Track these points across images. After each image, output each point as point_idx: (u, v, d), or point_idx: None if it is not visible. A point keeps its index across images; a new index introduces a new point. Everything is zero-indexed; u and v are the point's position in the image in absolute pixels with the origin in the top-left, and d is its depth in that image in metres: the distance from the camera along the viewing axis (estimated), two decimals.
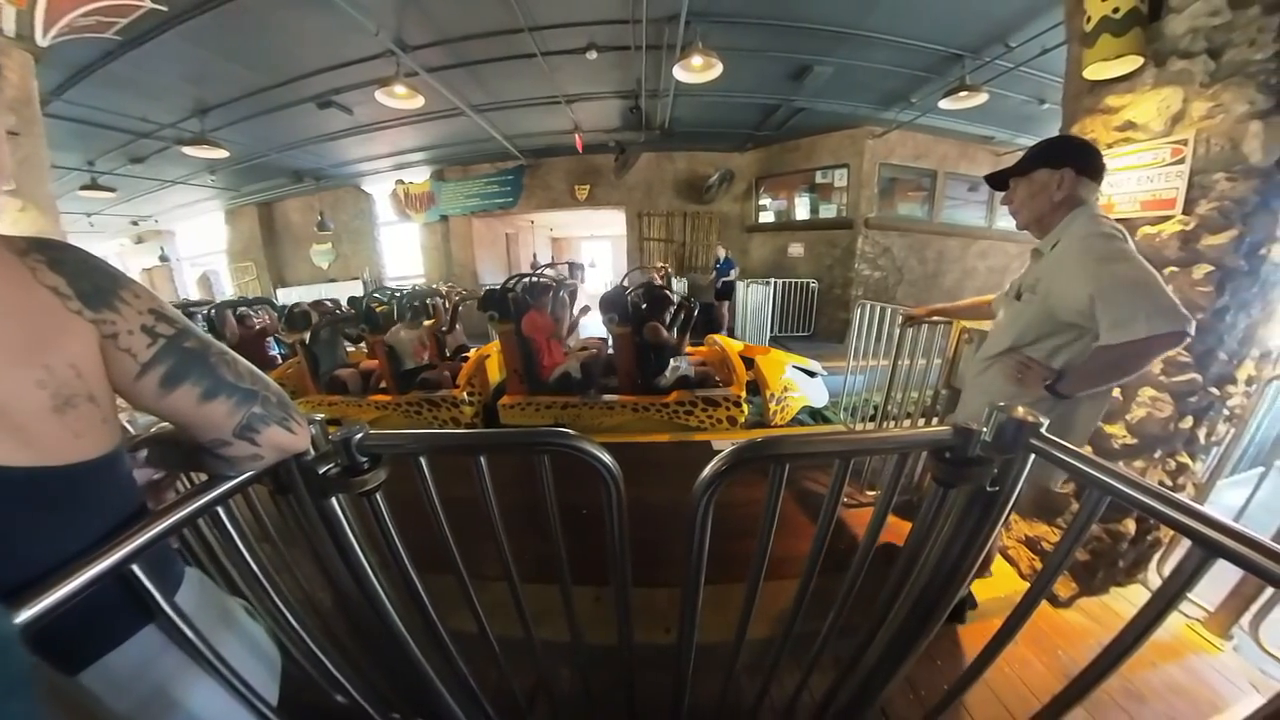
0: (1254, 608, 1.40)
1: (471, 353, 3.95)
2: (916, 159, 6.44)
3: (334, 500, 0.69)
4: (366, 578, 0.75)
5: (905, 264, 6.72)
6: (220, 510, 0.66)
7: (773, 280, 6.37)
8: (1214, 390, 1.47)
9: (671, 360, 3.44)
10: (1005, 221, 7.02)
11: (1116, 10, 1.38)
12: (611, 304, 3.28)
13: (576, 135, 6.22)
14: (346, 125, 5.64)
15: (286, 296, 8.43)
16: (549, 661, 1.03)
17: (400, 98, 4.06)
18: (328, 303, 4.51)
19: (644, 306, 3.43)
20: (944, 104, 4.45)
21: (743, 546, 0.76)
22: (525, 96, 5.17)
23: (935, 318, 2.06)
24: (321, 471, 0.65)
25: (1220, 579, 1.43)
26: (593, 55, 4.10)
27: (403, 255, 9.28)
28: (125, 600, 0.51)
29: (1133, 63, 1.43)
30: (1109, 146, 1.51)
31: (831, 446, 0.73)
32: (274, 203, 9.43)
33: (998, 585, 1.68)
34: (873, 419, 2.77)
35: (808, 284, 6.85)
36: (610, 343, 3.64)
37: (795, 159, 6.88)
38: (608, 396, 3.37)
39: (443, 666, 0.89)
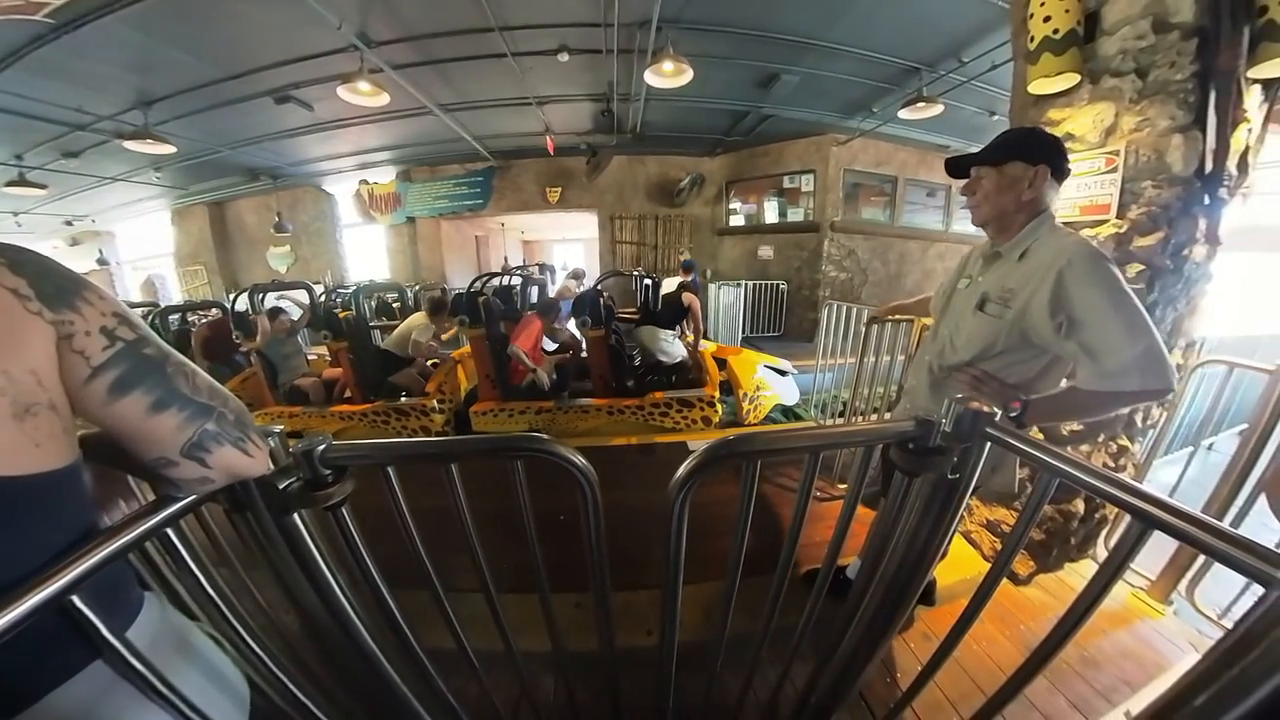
0: (1189, 574, 1.53)
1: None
2: (878, 165, 6.70)
3: (296, 516, 0.65)
4: (334, 597, 0.71)
5: (869, 266, 6.98)
6: (170, 532, 0.62)
7: (743, 282, 6.48)
8: None
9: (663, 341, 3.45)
10: (961, 225, 7.41)
11: (1056, 31, 1.49)
12: (585, 306, 3.26)
13: (548, 137, 6.17)
14: (306, 122, 5.38)
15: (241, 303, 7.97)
16: (531, 671, 1.01)
17: (364, 95, 3.91)
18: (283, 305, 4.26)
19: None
20: (903, 114, 4.66)
21: (722, 545, 0.77)
22: (495, 97, 5.08)
23: (897, 316, 2.16)
24: (282, 487, 0.62)
25: (1159, 550, 1.56)
26: (564, 58, 4.08)
27: (367, 258, 8.94)
28: (70, 633, 0.46)
29: (1071, 79, 1.54)
30: None
31: (801, 441, 0.75)
32: (226, 202, 8.90)
33: (962, 568, 1.76)
34: (842, 414, 2.86)
35: (777, 285, 7.02)
36: (583, 346, 3.61)
37: (764, 164, 7.04)
38: (582, 400, 3.35)
39: (420, 686, 0.86)
